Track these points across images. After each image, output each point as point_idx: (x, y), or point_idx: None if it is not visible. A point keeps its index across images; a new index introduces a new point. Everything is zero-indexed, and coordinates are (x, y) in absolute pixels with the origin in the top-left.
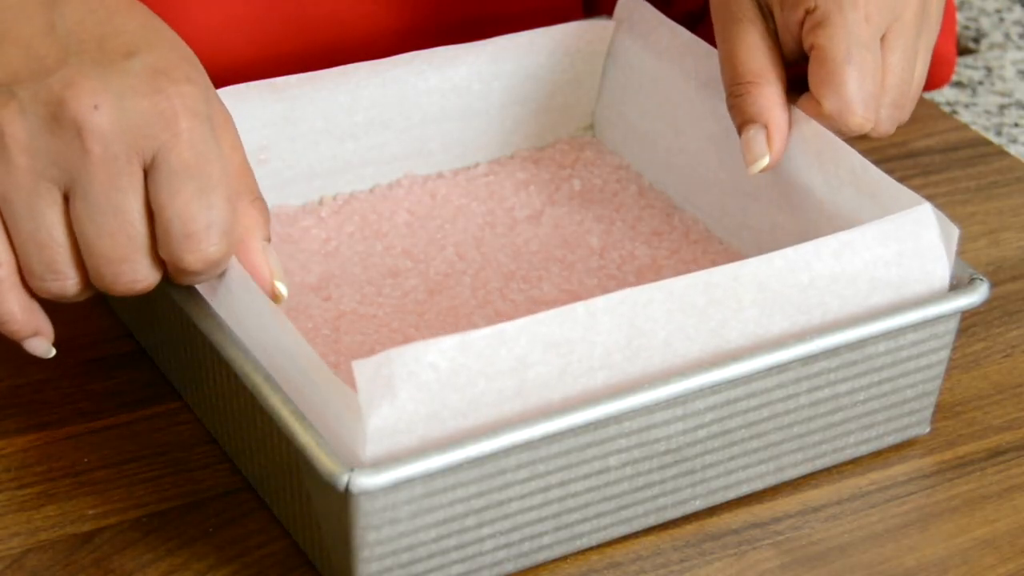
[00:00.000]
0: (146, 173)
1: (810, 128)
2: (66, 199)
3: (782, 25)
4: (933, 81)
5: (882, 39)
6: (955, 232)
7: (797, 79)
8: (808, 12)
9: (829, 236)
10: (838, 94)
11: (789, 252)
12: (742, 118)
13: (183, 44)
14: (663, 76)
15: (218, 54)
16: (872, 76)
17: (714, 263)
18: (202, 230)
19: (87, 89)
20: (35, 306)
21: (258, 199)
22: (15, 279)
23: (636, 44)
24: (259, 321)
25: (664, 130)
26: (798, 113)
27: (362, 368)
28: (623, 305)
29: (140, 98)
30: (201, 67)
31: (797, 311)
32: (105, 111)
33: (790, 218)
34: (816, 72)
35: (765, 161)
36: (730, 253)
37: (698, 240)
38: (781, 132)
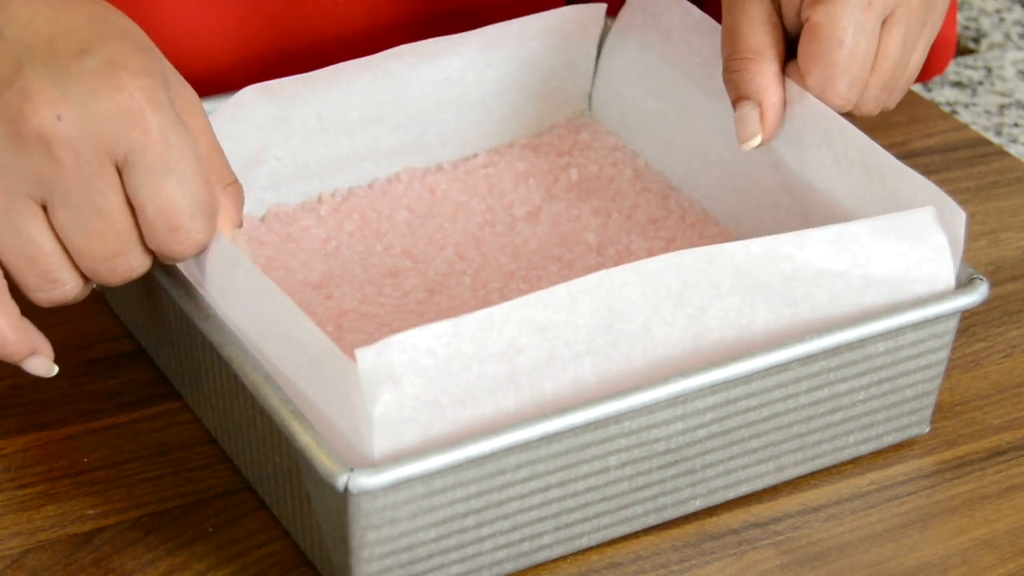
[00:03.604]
0: (119, 168)
1: (819, 108)
2: (43, 208)
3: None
4: (936, 65)
5: (884, 21)
6: (962, 217)
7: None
8: None
9: (818, 228)
10: (824, 73)
11: (768, 240)
12: (737, 94)
13: (136, 30)
14: (671, 54)
15: (200, 60)
16: (862, 60)
17: None
18: (187, 222)
19: (46, 100)
20: (27, 324)
21: (231, 183)
22: (3, 297)
23: (646, 23)
24: (259, 305)
25: (667, 109)
26: (806, 92)
27: (364, 356)
28: (600, 287)
29: (102, 99)
30: (156, 51)
31: (782, 302)
32: (69, 120)
33: (795, 199)
34: (807, 46)
35: (758, 139)
36: (726, 235)
37: (695, 223)
38: (775, 110)
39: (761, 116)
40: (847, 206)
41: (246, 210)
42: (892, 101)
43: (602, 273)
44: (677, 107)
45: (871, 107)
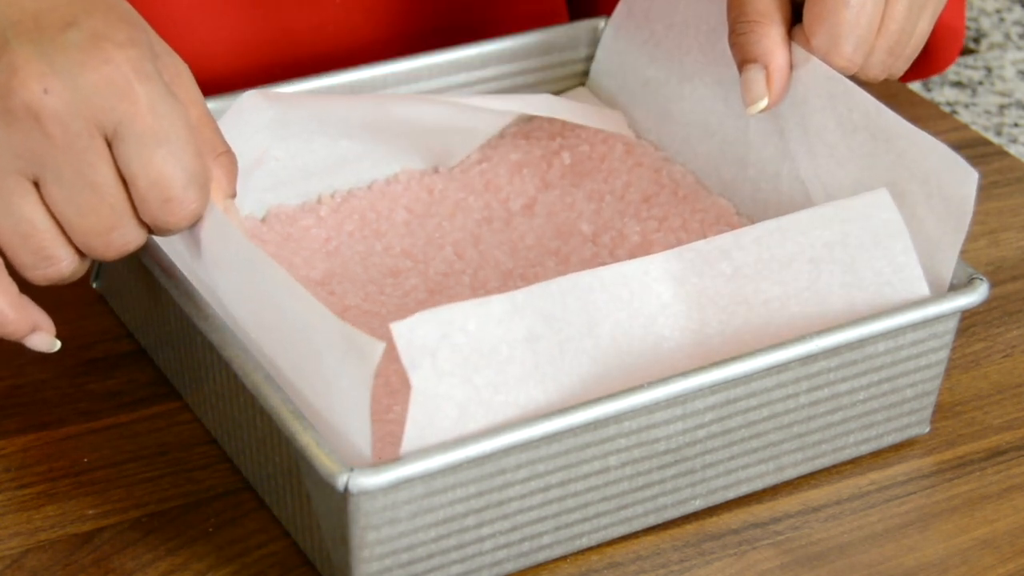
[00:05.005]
0: (109, 141)
1: (824, 71)
2: (36, 184)
3: None
4: (943, 56)
5: None
6: (973, 176)
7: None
8: None
9: (755, 225)
10: (829, 33)
11: (701, 244)
12: (743, 56)
13: (121, 1)
14: (679, 23)
15: (203, 71)
16: (868, 22)
17: (701, 223)
18: (180, 193)
19: (33, 73)
20: (26, 301)
21: (223, 153)
22: (0, 276)
23: None
24: (252, 276)
25: (668, 77)
26: (811, 56)
27: (400, 330)
28: (576, 288)
29: (89, 71)
30: (142, 22)
31: (732, 301)
32: (57, 93)
33: (796, 165)
34: (812, 7)
35: (764, 102)
36: (719, 207)
37: (687, 196)
38: (781, 73)
39: (767, 79)
40: (851, 169)
41: (246, 211)
42: (898, 68)
43: (575, 276)
44: (679, 75)
45: (877, 71)
